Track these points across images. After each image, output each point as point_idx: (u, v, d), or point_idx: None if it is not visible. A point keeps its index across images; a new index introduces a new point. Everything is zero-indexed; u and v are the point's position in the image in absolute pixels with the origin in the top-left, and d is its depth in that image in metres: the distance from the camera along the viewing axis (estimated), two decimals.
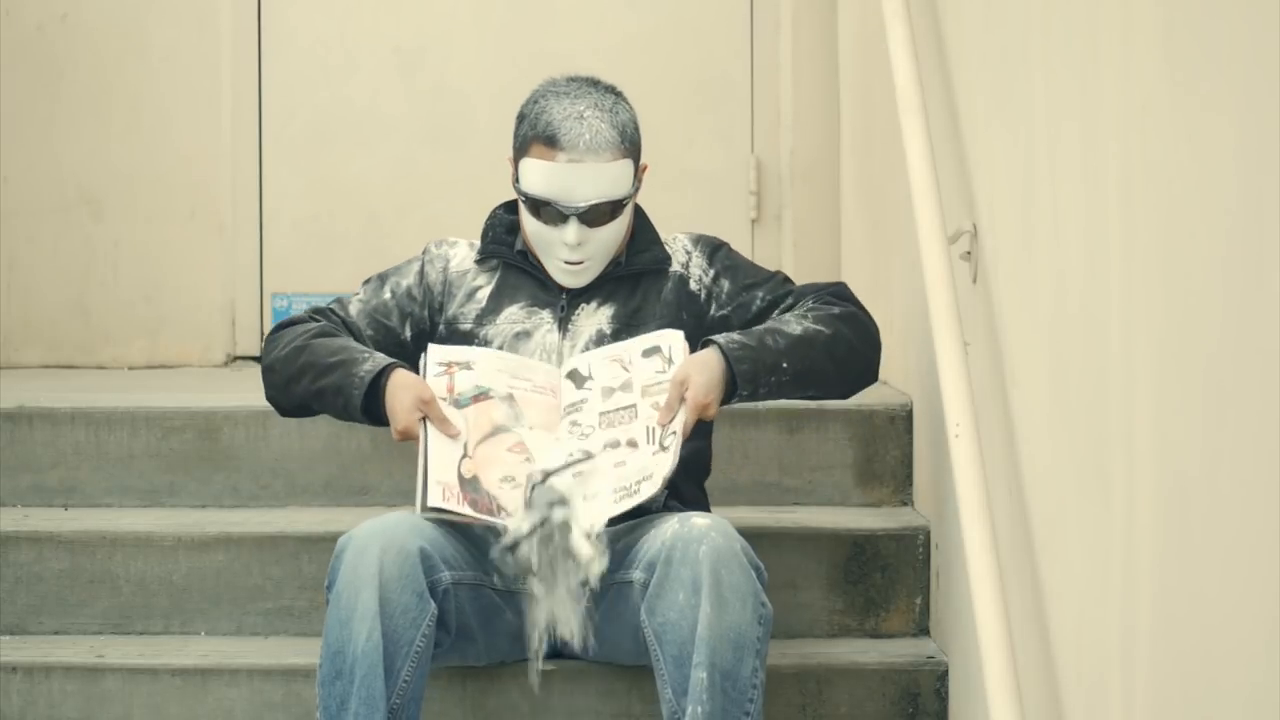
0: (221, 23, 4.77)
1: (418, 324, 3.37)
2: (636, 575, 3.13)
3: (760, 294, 3.36)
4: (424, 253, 3.43)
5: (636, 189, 3.31)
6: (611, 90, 3.33)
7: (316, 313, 3.36)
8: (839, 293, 3.35)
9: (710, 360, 3.18)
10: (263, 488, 3.82)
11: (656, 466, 3.09)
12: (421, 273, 3.40)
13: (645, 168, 3.36)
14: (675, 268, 3.39)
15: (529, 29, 4.76)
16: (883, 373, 4.14)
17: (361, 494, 3.79)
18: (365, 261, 4.77)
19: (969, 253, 3.21)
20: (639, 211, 3.43)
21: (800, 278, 4.75)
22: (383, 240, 4.78)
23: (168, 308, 4.77)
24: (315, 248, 4.79)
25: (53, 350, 4.76)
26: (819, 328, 3.25)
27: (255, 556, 3.60)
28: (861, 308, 3.33)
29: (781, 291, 3.37)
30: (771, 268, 4.75)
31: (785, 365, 3.19)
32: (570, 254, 3.28)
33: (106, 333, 4.77)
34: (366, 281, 3.42)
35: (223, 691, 3.42)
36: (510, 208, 3.41)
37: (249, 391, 4.17)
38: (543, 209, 3.26)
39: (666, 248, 3.41)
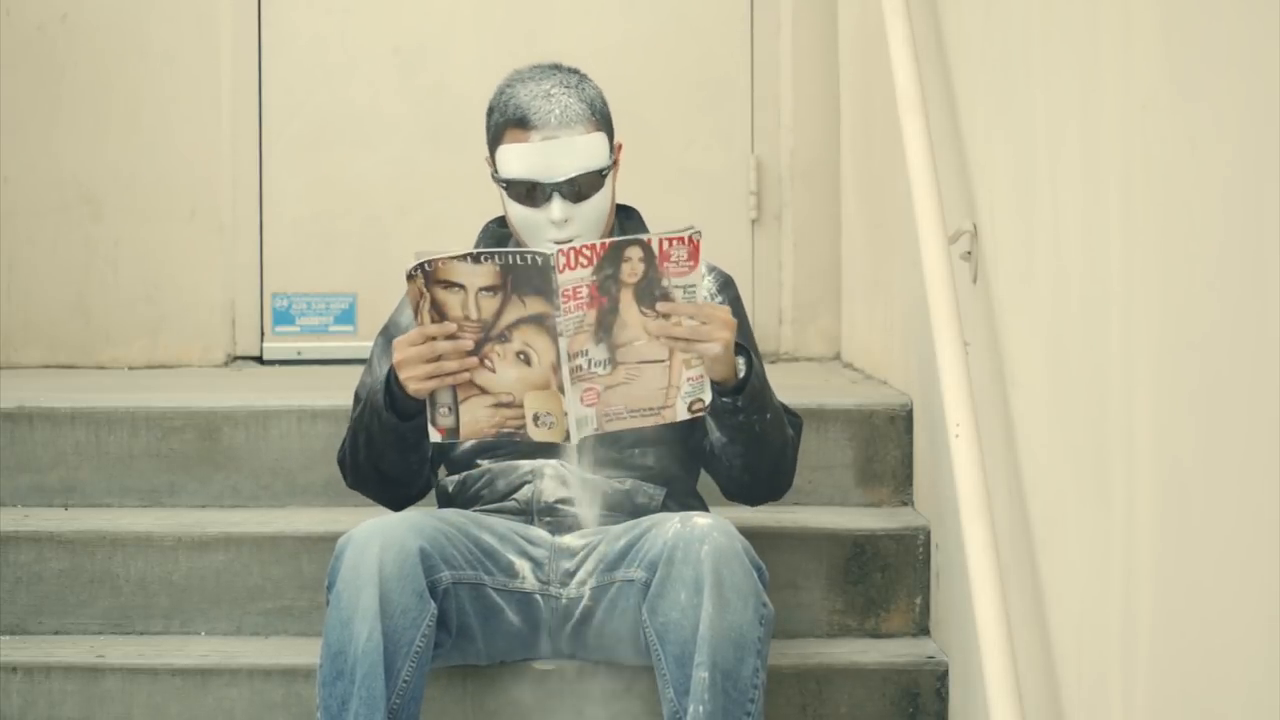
0: (221, 23, 4.77)
1: None
2: (638, 574, 3.13)
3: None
4: (408, 279, 3.42)
5: (614, 162, 3.30)
6: (574, 71, 3.33)
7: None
8: (795, 423, 3.34)
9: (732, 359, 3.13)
10: (263, 488, 3.82)
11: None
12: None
13: (620, 146, 3.35)
14: None
15: (529, 29, 4.76)
16: (883, 373, 4.15)
17: None
18: (365, 261, 4.78)
19: (969, 253, 3.21)
20: (634, 214, 3.43)
21: (801, 277, 4.77)
22: (383, 240, 4.78)
23: (168, 308, 4.77)
24: (315, 248, 4.79)
25: (53, 350, 4.76)
26: (791, 420, 3.28)
27: (255, 556, 3.60)
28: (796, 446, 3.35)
29: None
30: (772, 270, 4.81)
31: (769, 417, 3.18)
32: (558, 232, 3.26)
33: (106, 333, 4.76)
34: (374, 349, 3.41)
35: (223, 691, 3.42)
36: (502, 221, 3.40)
37: (249, 391, 4.19)
38: (524, 191, 3.26)
39: None
